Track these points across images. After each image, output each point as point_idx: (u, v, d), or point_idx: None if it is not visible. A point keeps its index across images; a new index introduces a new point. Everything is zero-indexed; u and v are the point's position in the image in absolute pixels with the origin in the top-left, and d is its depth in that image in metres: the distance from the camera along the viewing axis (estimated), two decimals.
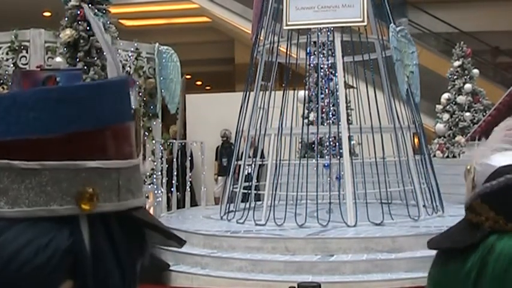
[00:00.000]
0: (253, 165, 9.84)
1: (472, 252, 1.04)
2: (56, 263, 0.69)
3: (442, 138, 12.38)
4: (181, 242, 0.84)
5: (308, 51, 9.98)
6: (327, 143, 10.57)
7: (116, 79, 0.73)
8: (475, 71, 12.57)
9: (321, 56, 10.41)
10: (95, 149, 0.70)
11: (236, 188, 9.29)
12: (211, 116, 13.70)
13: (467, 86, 12.37)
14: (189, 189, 11.24)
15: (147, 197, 9.36)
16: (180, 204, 11.30)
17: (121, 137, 0.74)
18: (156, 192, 9.99)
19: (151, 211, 9.49)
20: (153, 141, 9.98)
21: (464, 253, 1.05)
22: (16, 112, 0.68)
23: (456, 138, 12.17)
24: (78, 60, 7.60)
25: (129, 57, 9.64)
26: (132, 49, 9.69)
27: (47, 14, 15.81)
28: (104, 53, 7.68)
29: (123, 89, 0.75)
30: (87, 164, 0.70)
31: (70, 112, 0.70)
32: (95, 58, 7.62)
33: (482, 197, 1.08)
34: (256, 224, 8.15)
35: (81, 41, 7.59)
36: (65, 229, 0.70)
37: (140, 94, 9.79)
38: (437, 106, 12.70)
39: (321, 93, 10.61)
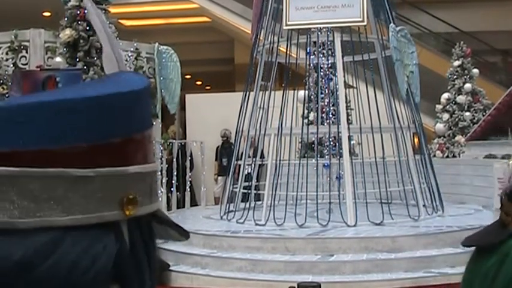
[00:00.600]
0: (253, 165, 9.84)
1: (496, 251, 1.03)
2: (109, 269, 0.70)
3: (442, 138, 12.38)
4: (187, 235, 0.85)
5: (308, 51, 9.98)
6: (327, 143, 10.57)
7: (145, 85, 0.73)
8: (475, 70, 12.57)
9: (321, 56, 10.41)
10: (132, 155, 0.72)
11: (236, 188, 9.29)
12: (211, 116, 13.69)
13: (467, 85, 12.37)
14: (189, 189, 11.24)
15: None
16: (180, 204, 11.30)
17: (147, 142, 0.76)
18: None
19: None
20: (153, 141, 9.98)
21: (489, 252, 1.05)
22: (69, 117, 0.68)
23: (456, 138, 12.17)
24: (78, 60, 7.60)
25: (129, 57, 9.64)
26: (131, 49, 9.69)
27: (46, 14, 15.80)
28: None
29: (149, 94, 0.76)
30: (129, 169, 0.71)
31: (115, 120, 0.71)
32: (95, 58, 7.61)
33: (509, 194, 1.06)
34: (256, 224, 8.15)
35: (81, 41, 7.59)
36: (112, 234, 0.71)
37: None
38: (437, 106, 12.70)
39: (321, 93, 10.61)
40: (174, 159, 10.71)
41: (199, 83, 23.08)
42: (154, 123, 9.87)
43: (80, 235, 0.69)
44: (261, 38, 9.43)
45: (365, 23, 8.54)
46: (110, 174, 0.70)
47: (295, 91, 9.73)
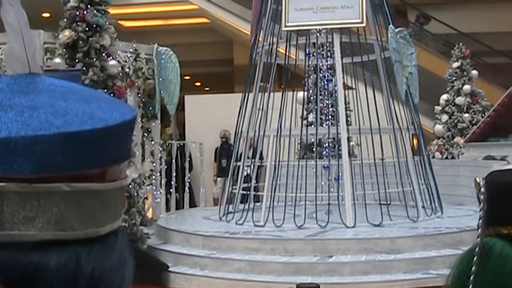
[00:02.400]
0: (252, 166, 9.84)
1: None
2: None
3: (441, 139, 12.38)
4: None
5: (307, 52, 9.98)
6: (326, 144, 10.57)
7: (131, 117, 0.77)
8: (474, 72, 12.58)
9: (320, 57, 10.41)
10: (124, 171, 0.78)
11: (235, 189, 9.30)
12: (210, 117, 13.69)
13: (466, 87, 12.38)
14: (188, 190, 11.24)
15: (146, 198, 9.36)
16: (179, 205, 11.30)
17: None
18: (155, 193, 9.99)
19: (150, 212, 9.49)
20: (152, 142, 9.98)
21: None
22: (127, 135, 0.76)
23: (455, 140, 12.17)
24: (77, 61, 7.59)
25: (128, 58, 9.64)
26: (131, 50, 9.69)
27: (46, 14, 15.80)
28: (103, 54, 7.68)
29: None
30: (124, 182, 0.78)
31: (118, 146, 0.77)
32: (94, 59, 7.61)
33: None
34: (255, 225, 8.16)
35: (80, 42, 7.58)
36: (125, 238, 0.79)
37: (139, 95, 9.79)
38: (436, 107, 12.70)
39: (320, 95, 10.60)
40: (173, 160, 10.71)
41: (198, 84, 23.09)
42: (153, 123, 9.94)
43: (113, 243, 0.76)
44: (260, 39, 9.43)
45: (364, 24, 8.55)
46: (117, 188, 0.76)
47: (295, 92, 9.73)
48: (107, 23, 7.83)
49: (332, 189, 9.06)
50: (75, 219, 0.71)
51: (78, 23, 7.60)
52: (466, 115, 12.30)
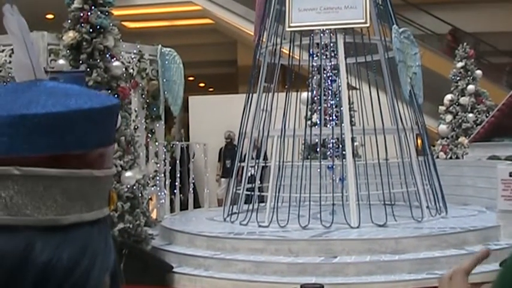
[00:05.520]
0: (256, 167, 9.84)
1: None
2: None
3: (445, 139, 12.36)
4: None
5: (311, 52, 9.98)
6: (330, 145, 10.56)
7: (89, 107, 0.77)
8: (478, 72, 12.56)
9: (324, 57, 10.40)
10: (107, 161, 0.80)
11: (239, 189, 9.29)
12: (214, 117, 13.69)
13: (470, 87, 12.36)
14: (192, 191, 11.24)
15: (150, 199, 9.37)
16: (183, 206, 11.31)
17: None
18: (159, 194, 10.00)
19: (154, 213, 9.50)
20: (156, 143, 9.99)
21: None
22: (95, 123, 0.77)
23: (459, 140, 12.15)
24: (81, 62, 7.60)
25: (132, 59, 9.66)
26: (134, 51, 9.71)
27: (49, 16, 15.84)
28: (107, 55, 7.69)
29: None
30: (111, 171, 0.80)
31: (112, 130, 0.80)
32: (98, 60, 7.62)
33: None
34: (260, 226, 8.15)
35: (84, 43, 7.59)
36: (109, 228, 0.81)
37: (143, 96, 9.80)
38: (440, 107, 12.69)
39: (324, 95, 10.60)
40: (178, 161, 10.72)
41: (202, 84, 23.10)
42: (157, 124, 9.94)
43: (99, 229, 0.77)
44: (263, 39, 9.43)
45: (368, 25, 8.54)
46: (109, 175, 0.79)
47: (298, 93, 9.73)
48: (111, 24, 7.84)
49: (336, 190, 9.06)
50: (28, 205, 0.71)
51: (82, 25, 7.62)
52: (471, 115, 12.28)
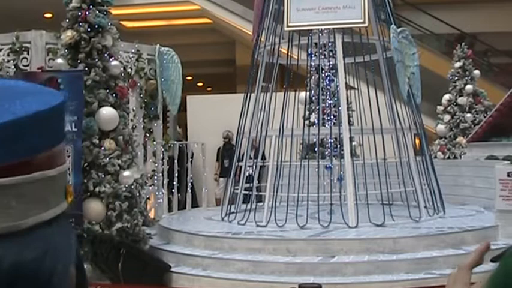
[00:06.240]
0: (254, 167, 9.84)
1: None
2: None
3: (443, 139, 12.37)
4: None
5: (309, 52, 9.98)
6: (328, 144, 10.57)
7: (61, 101, 0.79)
8: (476, 72, 12.57)
9: (322, 57, 10.40)
10: (59, 158, 0.80)
11: (237, 189, 9.29)
12: (212, 117, 13.69)
13: (468, 87, 12.37)
14: (190, 191, 11.24)
15: (148, 199, 9.36)
16: (181, 206, 11.30)
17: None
18: (157, 193, 9.99)
19: (152, 212, 9.49)
20: (154, 143, 9.98)
21: None
22: (42, 126, 0.76)
23: (457, 139, 12.16)
24: (79, 61, 7.59)
25: (130, 58, 9.65)
26: (133, 50, 9.70)
27: (48, 15, 15.81)
28: (105, 54, 7.68)
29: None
30: (66, 165, 0.81)
31: (61, 128, 0.81)
32: (96, 60, 7.61)
33: None
34: (258, 225, 8.15)
35: (82, 42, 7.58)
36: (68, 222, 0.82)
37: (141, 95, 9.79)
38: (438, 107, 12.70)
39: (322, 95, 10.60)
40: (176, 161, 10.71)
41: (200, 84, 23.10)
42: (155, 124, 9.93)
43: (57, 227, 0.78)
44: (262, 39, 9.43)
45: (366, 24, 8.54)
46: (63, 172, 0.80)
47: (297, 92, 9.73)
48: (109, 23, 7.83)
49: (334, 190, 9.05)
50: None
51: (80, 24, 7.61)
52: (468, 115, 12.29)
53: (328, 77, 10.88)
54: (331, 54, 10.32)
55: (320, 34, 9.48)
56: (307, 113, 10.78)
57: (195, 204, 11.93)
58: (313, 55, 10.17)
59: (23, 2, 14.66)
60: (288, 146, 9.06)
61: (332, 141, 10.15)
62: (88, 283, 0.88)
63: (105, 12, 7.78)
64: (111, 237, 7.26)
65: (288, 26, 8.70)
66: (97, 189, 7.29)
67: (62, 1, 7.86)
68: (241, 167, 9.46)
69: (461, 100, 12.37)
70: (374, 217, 8.01)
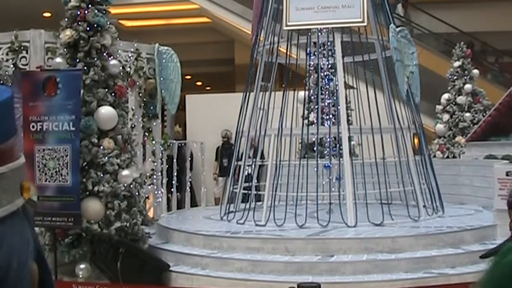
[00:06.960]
0: (253, 166, 9.84)
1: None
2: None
3: (442, 138, 12.38)
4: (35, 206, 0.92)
5: (308, 51, 9.98)
6: (327, 144, 10.56)
7: (8, 96, 0.78)
8: (475, 71, 12.57)
9: (321, 56, 10.40)
10: (10, 154, 0.79)
11: (236, 188, 9.29)
12: (211, 116, 13.69)
13: (467, 86, 12.37)
14: (189, 190, 11.24)
15: (147, 198, 9.36)
16: (180, 205, 11.30)
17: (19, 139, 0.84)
18: (156, 192, 9.99)
19: (151, 212, 9.49)
20: (153, 142, 9.98)
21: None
22: None
23: (456, 139, 12.16)
24: (78, 60, 7.59)
25: (129, 57, 9.65)
26: (132, 50, 9.70)
27: (47, 14, 15.81)
28: (104, 54, 7.68)
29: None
30: (21, 161, 0.80)
31: (9, 124, 0.80)
32: (95, 59, 7.61)
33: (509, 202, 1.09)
34: (257, 225, 8.15)
35: (81, 41, 7.58)
36: (24, 218, 0.81)
37: (140, 95, 9.79)
38: (437, 106, 12.70)
39: (321, 94, 10.60)
40: (175, 160, 10.71)
41: (199, 83, 23.09)
42: (154, 123, 9.93)
43: (11, 224, 0.77)
44: (261, 38, 9.43)
45: (365, 24, 8.54)
46: (15, 168, 0.79)
47: (296, 92, 9.72)
48: (108, 22, 7.83)
49: (333, 189, 9.06)
50: None
51: (79, 23, 7.61)
52: (467, 114, 12.29)
53: (327, 76, 10.88)
54: (330, 53, 10.32)
55: (319, 33, 9.48)
56: (306, 112, 10.78)
57: (194, 203, 11.93)
58: (312, 54, 10.17)
59: (22, 1, 14.65)
60: (287, 145, 9.06)
61: (331, 140, 10.16)
62: (53, 279, 0.87)
63: (104, 12, 7.78)
64: (110, 236, 7.26)
65: (287, 25, 8.69)
66: (96, 188, 7.29)
67: (61, 0, 7.86)
68: (240, 166, 9.46)
69: (460, 99, 12.38)
70: (373, 216, 8.02)
